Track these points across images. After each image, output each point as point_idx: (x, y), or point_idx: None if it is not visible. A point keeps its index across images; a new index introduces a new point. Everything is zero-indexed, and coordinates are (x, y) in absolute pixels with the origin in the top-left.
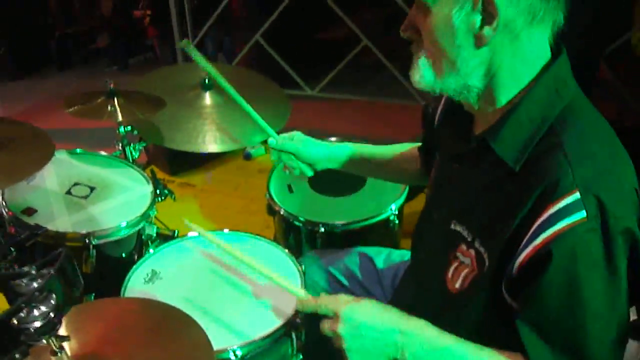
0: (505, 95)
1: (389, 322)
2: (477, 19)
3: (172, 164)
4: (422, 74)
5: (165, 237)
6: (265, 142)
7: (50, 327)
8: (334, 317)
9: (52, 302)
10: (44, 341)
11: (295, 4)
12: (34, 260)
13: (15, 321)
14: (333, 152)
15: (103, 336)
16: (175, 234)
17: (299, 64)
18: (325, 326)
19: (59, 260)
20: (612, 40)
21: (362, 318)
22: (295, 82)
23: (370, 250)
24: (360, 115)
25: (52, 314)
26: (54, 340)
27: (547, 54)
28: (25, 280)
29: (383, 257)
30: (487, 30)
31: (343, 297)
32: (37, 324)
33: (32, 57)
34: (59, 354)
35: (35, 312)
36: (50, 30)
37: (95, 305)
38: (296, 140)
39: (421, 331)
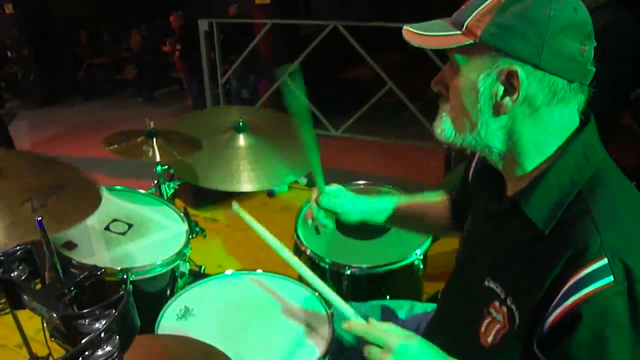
0: (530, 161)
1: None
2: (500, 88)
3: (196, 197)
4: (444, 127)
5: (192, 273)
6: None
7: None
8: (384, 348)
9: (116, 341)
10: None
11: (320, 44)
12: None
13: None
14: (374, 209)
15: None
16: (202, 270)
17: (323, 102)
18: (373, 354)
19: (122, 302)
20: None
21: (414, 357)
22: (318, 120)
23: (392, 303)
24: (382, 155)
25: (115, 354)
26: None
27: (573, 124)
28: (88, 320)
29: (405, 309)
30: (507, 101)
31: (394, 329)
32: None
33: (61, 85)
34: None
35: (99, 352)
36: (79, 61)
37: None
38: (341, 198)
39: None
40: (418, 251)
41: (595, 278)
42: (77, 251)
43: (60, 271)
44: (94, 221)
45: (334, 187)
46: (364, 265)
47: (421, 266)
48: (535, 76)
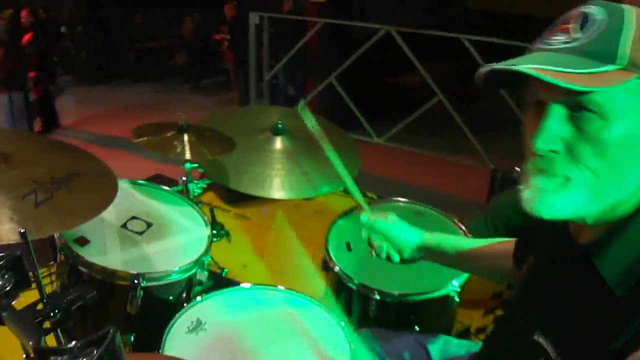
0: (623, 207)
1: None
2: None
3: (228, 192)
4: (567, 199)
5: (213, 274)
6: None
7: None
8: None
9: None
10: None
11: (372, 47)
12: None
13: None
14: (423, 242)
15: None
16: (224, 273)
17: (368, 107)
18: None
19: (106, 341)
20: None
21: None
22: (360, 125)
23: (425, 338)
24: (424, 166)
25: None
26: None
27: None
28: (65, 357)
29: (439, 346)
30: None
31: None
32: None
33: (111, 65)
34: None
35: None
36: (132, 43)
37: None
38: (390, 221)
39: None
40: (455, 282)
41: None
42: (89, 248)
43: (44, 291)
44: (111, 217)
45: (391, 216)
46: (395, 292)
47: (457, 299)
48: None
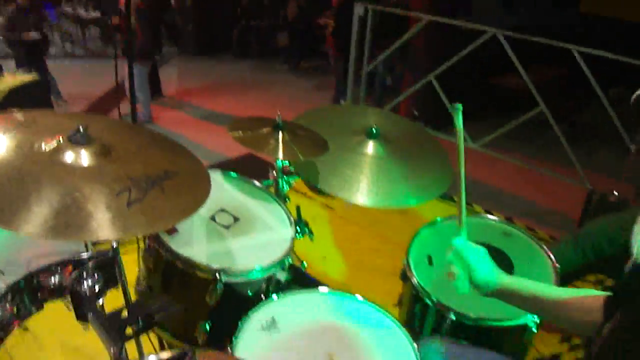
0: None
1: None
2: None
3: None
4: None
5: (292, 267)
6: None
7: None
8: None
9: None
10: None
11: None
12: None
13: None
14: (504, 287)
15: None
16: (304, 266)
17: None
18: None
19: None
20: None
21: None
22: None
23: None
24: (516, 175)
25: None
26: None
27: None
28: None
29: None
30: None
31: None
32: None
33: (216, 39)
34: None
35: None
36: (236, 20)
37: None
38: (479, 255)
39: None
40: None
41: None
42: (177, 238)
43: (129, 299)
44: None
45: (482, 248)
46: (472, 315)
47: (534, 330)
48: None
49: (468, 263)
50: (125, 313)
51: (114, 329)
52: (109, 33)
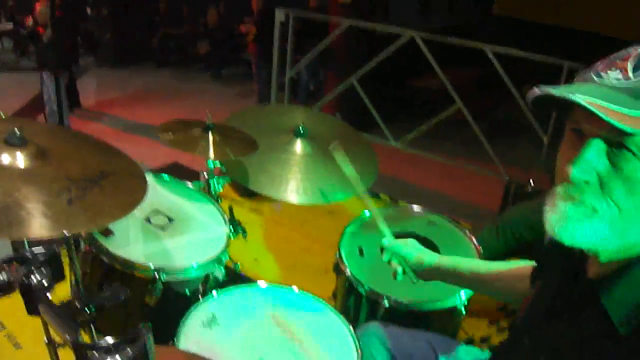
0: (638, 248)
1: None
2: None
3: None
4: (591, 227)
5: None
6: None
7: None
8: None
9: None
10: None
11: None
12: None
13: None
14: (441, 264)
15: None
16: (237, 268)
17: (386, 108)
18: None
19: (140, 340)
20: None
21: None
22: (377, 125)
23: (437, 342)
24: (437, 171)
25: None
26: None
27: None
28: (100, 353)
29: (448, 350)
30: None
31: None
32: None
33: (134, 49)
34: None
35: None
36: (156, 28)
37: None
38: (409, 246)
39: None
40: (463, 294)
41: None
42: (113, 240)
43: (81, 288)
44: (135, 210)
45: (407, 239)
46: (404, 300)
47: (463, 311)
48: None
49: (402, 255)
50: (76, 303)
51: (67, 317)
52: (22, 44)
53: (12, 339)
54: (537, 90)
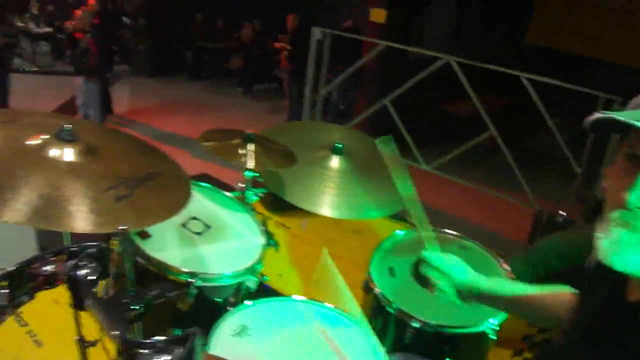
0: None
1: None
2: None
3: (275, 201)
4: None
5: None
6: None
7: None
8: None
9: None
10: None
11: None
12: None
13: None
14: (481, 282)
15: None
16: (266, 279)
17: (418, 132)
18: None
19: (189, 342)
20: None
21: None
22: (408, 148)
23: None
24: (466, 198)
25: None
26: None
27: None
28: (150, 352)
29: None
30: None
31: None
32: None
33: (169, 60)
34: None
35: None
36: (191, 41)
37: None
38: (452, 260)
39: None
40: (493, 320)
41: None
42: (150, 242)
43: (133, 285)
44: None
45: (451, 255)
46: (433, 322)
47: (494, 337)
48: None
49: (444, 269)
50: (123, 299)
51: (116, 314)
52: (59, 48)
53: (33, 336)
54: (601, 116)
